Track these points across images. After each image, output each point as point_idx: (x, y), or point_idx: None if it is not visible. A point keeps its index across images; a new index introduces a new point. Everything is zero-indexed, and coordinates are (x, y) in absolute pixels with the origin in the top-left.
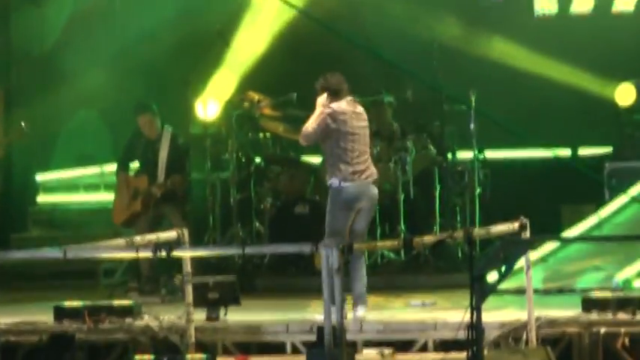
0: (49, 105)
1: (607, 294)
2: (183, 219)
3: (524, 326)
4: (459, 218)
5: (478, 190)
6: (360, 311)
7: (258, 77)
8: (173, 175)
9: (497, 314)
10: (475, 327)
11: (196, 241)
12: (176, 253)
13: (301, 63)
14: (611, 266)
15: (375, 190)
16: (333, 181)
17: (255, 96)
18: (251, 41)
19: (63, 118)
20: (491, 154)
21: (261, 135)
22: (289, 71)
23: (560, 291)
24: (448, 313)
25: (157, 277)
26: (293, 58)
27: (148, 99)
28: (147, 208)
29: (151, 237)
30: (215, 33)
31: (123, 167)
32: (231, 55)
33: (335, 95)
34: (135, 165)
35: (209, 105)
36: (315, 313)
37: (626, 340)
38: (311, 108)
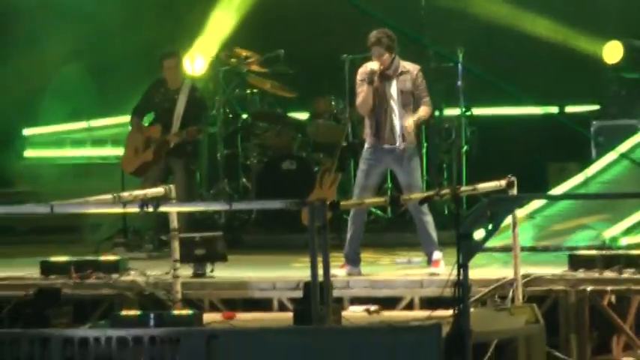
0: (35, 60)
1: (594, 252)
2: (188, 176)
3: (510, 284)
4: (445, 175)
5: (465, 148)
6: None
7: (246, 34)
8: (189, 126)
9: (483, 272)
10: (461, 284)
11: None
12: (163, 209)
13: (288, 20)
14: (597, 224)
15: None
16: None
17: (243, 52)
18: None
19: (49, 72)
20: (478, 111)
21: (248, 91)
22: (276, 28)
23: (547, 249)
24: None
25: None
26: (280, 14)
27: (134, 55)
28: (159, 157)
29: (138, 192)
30: None
31: (137, 115)
32: (217, 12)
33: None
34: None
35: (196, 61)
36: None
37: (613, 298)
38: (298, 65)
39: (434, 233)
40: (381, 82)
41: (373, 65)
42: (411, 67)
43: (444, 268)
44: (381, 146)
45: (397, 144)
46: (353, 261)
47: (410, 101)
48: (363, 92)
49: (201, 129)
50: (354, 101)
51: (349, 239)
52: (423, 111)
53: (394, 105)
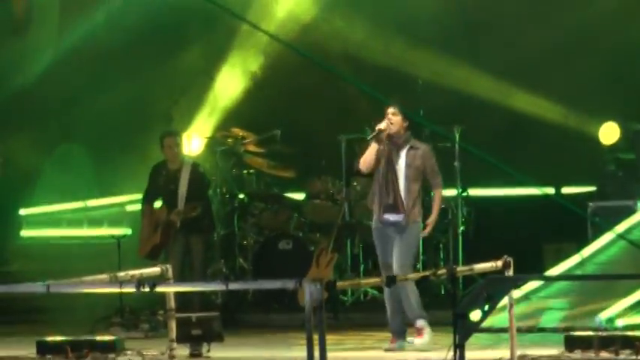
0: (32, 139)
1: (590, 333)
2: (207, 249)
3: None
4: (442, 255)
5: (461, 228)
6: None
7: (242, 113)
8: (191, 202)
9: (480, 352)
10: None
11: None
12: (160, 289)
13: (285, 100)
14: (594, 305)
15: None
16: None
17: (239, 132)
18: (235, 77)
19: (45, 152)
20: (474, 191)
21: (244, 171)
22: (273, 107)
23: (543, 330)
24: (431, 351)
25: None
26: (277, 93)
27: (130, 135)
28: (167, 238)
29: (135, 272)
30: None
31: (147, 201)
32: (214, 91)
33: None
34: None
35: (193, 141)
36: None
37: None
38: (294, 144)
39: (417, 306)
40: (389, 148)
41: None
42: (422, 145)
43: (427, 337)
44: (385, 219)
45: (401, 219)
46: (400, 335)
47: (417, 178)
48: (370, 148)
49: (196, 206)
50: (351, 181)
51: (391, 314)
52: (438, 200)
53: (400, 175)
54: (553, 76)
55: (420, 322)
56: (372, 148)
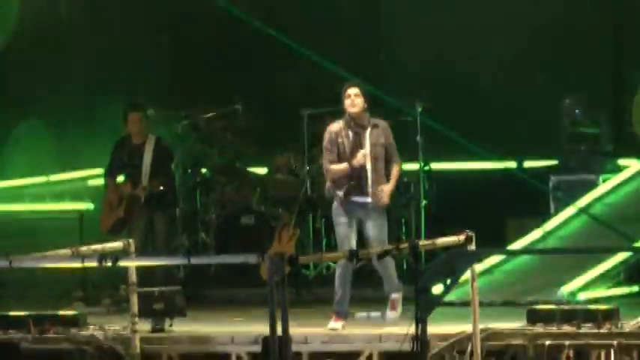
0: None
1: (552, 306)
2: (170, 224)
3: (468, 338)
4: (404, 230)
5: (424, 203)
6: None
7: (204, 86)
8: (158, 178)
9: (442, 326)
10: (420, 339)
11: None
12: (122, 263)
13: (247, 73)
14: (556, 278)
15: None
16: None
17: (201, 107)
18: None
19: (8, 127)
20: (437, 166)
21: (207, 146)
22: (235, 81)
23: (505, 303)
24: (393, 324)
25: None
26: (238, 67)
27: (92, 108)
28: (130, 213)
29: (97, 247)
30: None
31: (110, 176)
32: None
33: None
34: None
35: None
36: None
37: (571, 353)
38: (256, 118)
39: (395, 278)
40: (355, 131)
41: (335, 126)
42: (381, 122)
43: (399, 310)
44: (351, 199)
45: (369, 199)
46: (342, 315)
47: (381, 155)
48: (335, 164)
49: (162, 181)
50: (313, 156)
51: (338, 294)
52: (396, 174)
53: (367, 155)
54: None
55: (396, 295)
56: (343, 168)
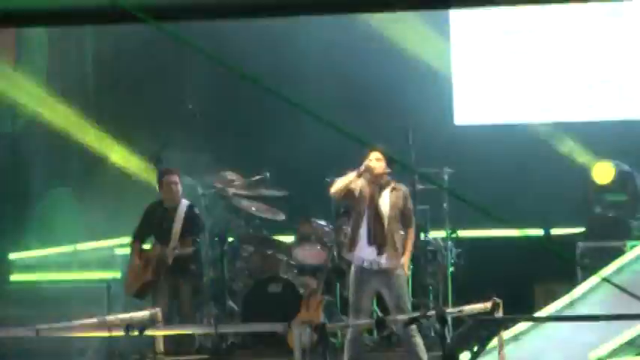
0: (21, 184)
1: None
2: (192, 293)
3: None
4: (431, 297)
5: (451, 270)
6: None
7: (231, 155)
8: (185, 240)
9: None
10: None
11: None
12: (148, 332)
13: (274, 142)
14: (583, 346)
15: None
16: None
17: (228, 175)
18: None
19: (35, 197)
20: (464, 233)
21: (234, 215)
22: (262, 150)
23: None
24: None
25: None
26: (267, 136)
27: (118, 178)
28: (158, 276)
29: (124, 316)
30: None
31: (137, 238)
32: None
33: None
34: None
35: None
36: None
37: None
38: (283, 187)
39: (424, 356)
40: (372, 188)
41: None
42: (402, 187)
43: None
44: (365, 266)
45: (385, 263)
46: None
47: (398, 219)
48: (345, 178)
49: (195, 241)
50: (339, 225)
51: None
52: (411, 239)
53: (384, 216)
54: None
55: None
56: (348, 176)
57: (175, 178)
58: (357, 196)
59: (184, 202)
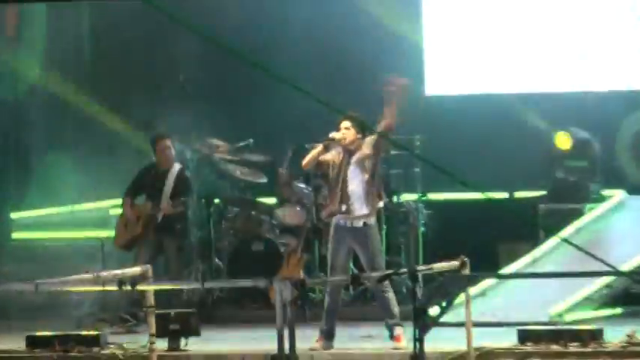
0: (22, 148)
1: (541, 327)
2: (178, 251)
3: (463, 357)
4: (403, 256)
5: (421, 230)
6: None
7: (215, 123)
8: (175, 201)
9: (438, 345)
10: (418, 357)
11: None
12: (140, 287)
13: (255, 111)
14: (544, 301)
15: None
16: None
17: (214, 141)
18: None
19: (34, 160)
20: (434, 196)
21: (219, 178)
22: (244, 118)
23: (497, 324)
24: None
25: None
26: (248, 107)
27: (112, 142)
28: (147, 231)
29: (116, 272)
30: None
31: (129, 195)
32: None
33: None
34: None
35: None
36: None
37: None
38: (266, 153)
39: (395, 309)
40: (343, 157)
41: (335, 134)
42: (368, 140)
43: (405, 342)
44: (343, 225)
45: (357, 223)
46: (327, 336)
47: (368, 169)
48: (313, 152)
49: (186, 202)
50: (318, 185)
51: (325, 315)
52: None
53: (354, 179)
54: None
55: (399, 330)
56: (316, 151)
57: (168, 142)
58: (330, 165)
59: (177, 165)
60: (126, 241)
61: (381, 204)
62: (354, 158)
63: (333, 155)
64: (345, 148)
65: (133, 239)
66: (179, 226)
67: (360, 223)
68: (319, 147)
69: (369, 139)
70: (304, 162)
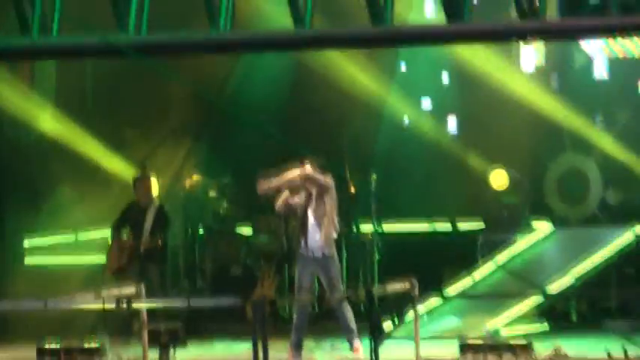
0: (34, 184)
1: (480, 340)
2: (159, 278)
3: None
4: (361, 279)
5: (377, 257)
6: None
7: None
8: (156, 236)
9: (390, 355)
10: None
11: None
12: (134, 305)
13: (231, 151)
14: (483, 318)
15: None
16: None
17: (199, 178)
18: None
19: (44, 194)
20: (388, 227)
21: (203, 211)
22: (225, 157)
23: (442, 337)
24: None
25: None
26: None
27: (110, 177)
28: (131, 262)
29: (115, 291)
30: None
31: (116, 228)
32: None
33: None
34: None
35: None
36: None
37: None
38: (251, 188)
39: (353, 325)
40: (305, 196)
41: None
42: (328, 180)
43: (362, 353)
44: (307, 255)
45: (319, 252)
46: (296, 348)
47: (331, 213)
48: (284, 195)
49: (159, 239)
50: (289, 219)
51: (294, 330)
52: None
53: (317, 214)
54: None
55: (357, 343)
56: (284, 195)
57: (148, 182)
58: (296, 209)
59: (156, 202)
60: (115, 269)
61: (335, 235)
62: (314, 196)
63: (297, 200)
64: (305, 188)
65: (120, 268)
66: (160, 255)
67: (320, 254)
68: (286, 192)
69: (329, 182)
70: (278, 207)
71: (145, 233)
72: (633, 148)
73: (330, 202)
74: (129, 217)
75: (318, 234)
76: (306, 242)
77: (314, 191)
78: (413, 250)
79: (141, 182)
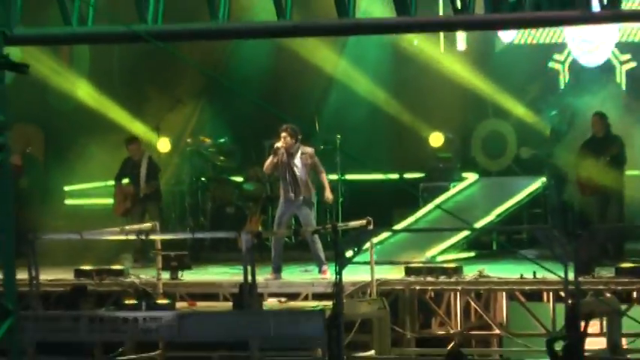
0: (73, 141)
1: (421, 264)
2: (159, 214)
3: (368, 284)
4: (328, 217)
5: (341, 199)
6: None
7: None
8: (150, 182)
9: (351, 277)
10: (338, 285)
11: (164, 228)
12: (151, 237)
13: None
14: (423, 247)
15: None
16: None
17: (202, 137)
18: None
19: (81, 149)
20: (350, 176)
21: (204, 163)
22: (225, 118)
23: (391, 262)
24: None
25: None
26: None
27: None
28: (134, 205)
29: (135, 227)
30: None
31: (118, 179)
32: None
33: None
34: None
35: (160, 141)
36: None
37: (432, 294)
38: (242, 145)
39: (322, 254)
40: (287, 156)
41: (278, 144)
42: (308, 149)
43: (329, 275)
44: (289, 199)
45: (299, 198)
46: (277, 271)
47: (308, 171)
48: (269, 160)
49: (154, 184)
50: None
51: (274, 257)
52: (325, 181)
53: (296, 171)
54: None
55: (325, 267)
56: (270, 161)
57: (135, 145)
58: (279, 166)
59: (146, 155)
60: (121, 212)
61: (310, 184)
62: (296, 157)
63: (280, 158)
64: (287, 150)
65: (125, 210)
66: (156, 196)
67: (301, 198)
68: (270, 159)
69: (311, 153)
70: (265, 169)
71: (141, 181)
72: (539, 114)
73: (306, 161)
74: (126, 171)
75: (302, 184)
76: (294, 191)
77: (295, 154)
78: (369, 194)
79: (132, 142)
